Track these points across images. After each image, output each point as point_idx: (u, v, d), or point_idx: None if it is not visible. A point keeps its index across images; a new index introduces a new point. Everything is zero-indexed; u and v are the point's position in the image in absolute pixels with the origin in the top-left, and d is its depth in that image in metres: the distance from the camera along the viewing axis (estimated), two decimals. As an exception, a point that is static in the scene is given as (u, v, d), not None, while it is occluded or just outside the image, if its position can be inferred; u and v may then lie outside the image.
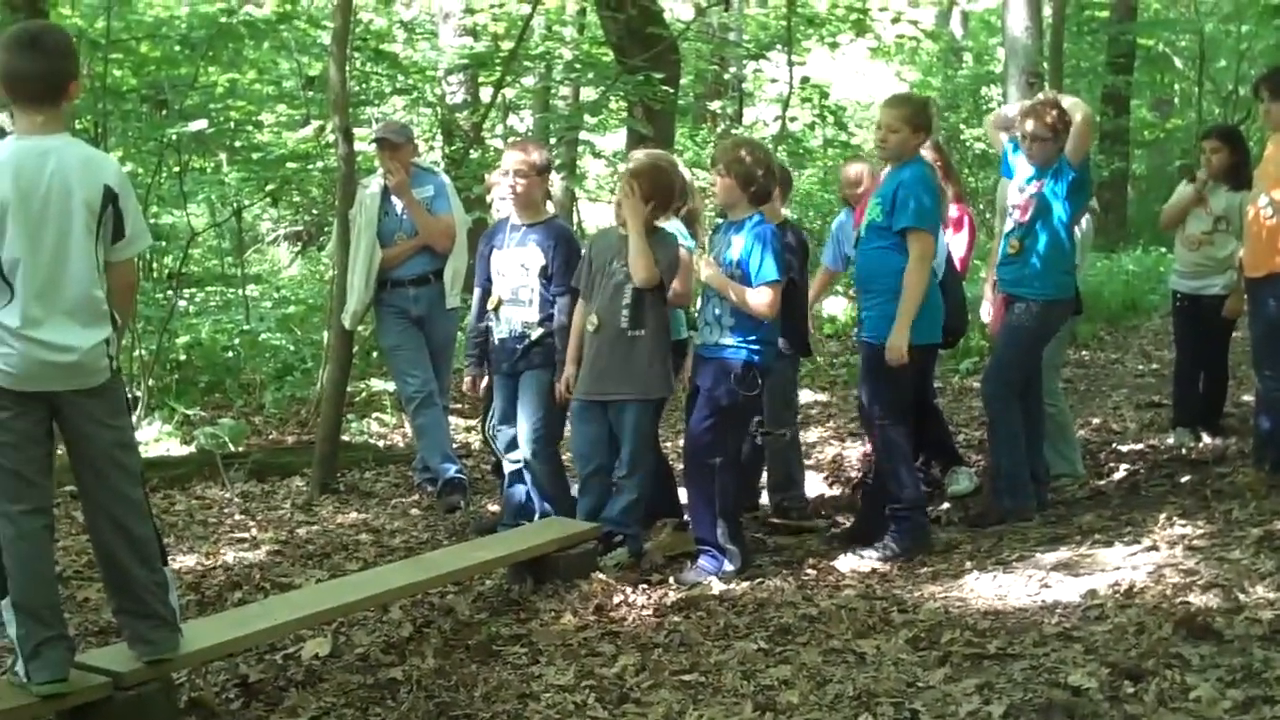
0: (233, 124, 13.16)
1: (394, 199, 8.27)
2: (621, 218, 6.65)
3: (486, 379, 7.46)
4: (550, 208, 7.73)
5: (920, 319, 6.63)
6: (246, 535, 7.60)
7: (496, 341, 7.16)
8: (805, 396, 10.98)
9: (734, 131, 20.84)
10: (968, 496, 7.82)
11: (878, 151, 7.13)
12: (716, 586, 6.25)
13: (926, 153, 7.17)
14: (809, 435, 9.97)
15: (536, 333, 7.01)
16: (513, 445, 7.22)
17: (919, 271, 6.59)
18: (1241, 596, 5.37)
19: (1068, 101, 7.24)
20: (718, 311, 6.53)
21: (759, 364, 6.49)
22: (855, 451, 9.43)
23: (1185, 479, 7.85)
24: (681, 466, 7.04)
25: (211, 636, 5.12)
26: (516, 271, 7.08)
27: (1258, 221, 7.47)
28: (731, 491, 6.58)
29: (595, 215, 19.22)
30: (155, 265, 13.25)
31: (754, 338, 6.46)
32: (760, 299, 6.37)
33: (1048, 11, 17.03)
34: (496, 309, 7.14)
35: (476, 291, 7.39)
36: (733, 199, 6.54)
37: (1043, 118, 7.27)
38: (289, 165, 12.63)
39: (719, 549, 6.51)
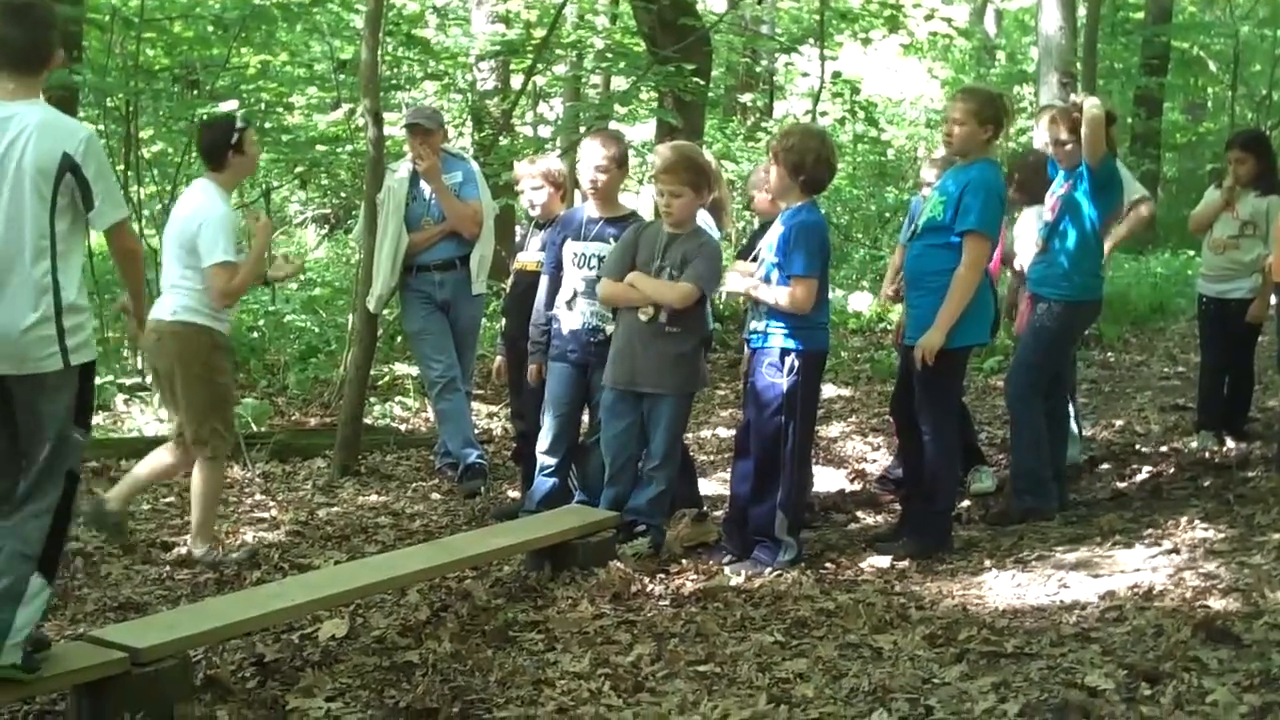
0: (263, 105, 13.15)
1: (422, 184, 8.28)
2: (671, 218, 6.61)
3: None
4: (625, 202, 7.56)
5: (971, 318, 6.59)
6: (266, 515, 7.62)
7: (566, 332, 7.07)
8: (828, 391, 10.97)
9: (764, 125, 20.85)
10: (989, 495, 7.80)
11: (944, 145, 7.09)
12: (734, 578, 6.24)
13: None
14: (830, 430, 9.97)
15: (610, 327, 6.90)
16: (556, 434, 7.12)
17: (970, 278, 6.50)
18: (1261, 601, 5.36)
19: (1086, 103, 7.21)
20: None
21: (803, 350, 6.41)
22: (875, 448, 9.43)
23: (1208, 482, 7.82)
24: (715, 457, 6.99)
25: (229, 615, 5.15)
26: (594, 265, 6.98)
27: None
28: (792, 484, 6.52)
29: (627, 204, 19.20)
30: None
31: (796, 324, 6.39)
32: (785, 295, 6.35)
33: (1082, 11, 17.00)
34: (571, 301, 7.05)
35: (544, 279, 7.25)
36: (784, 187, 6.47)
37: (1062, 123, 7.32)
38: (318, 148, 12.61)
39: (775, 540, 6.50)
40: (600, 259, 6.92)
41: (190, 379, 6.58)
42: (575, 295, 7.02)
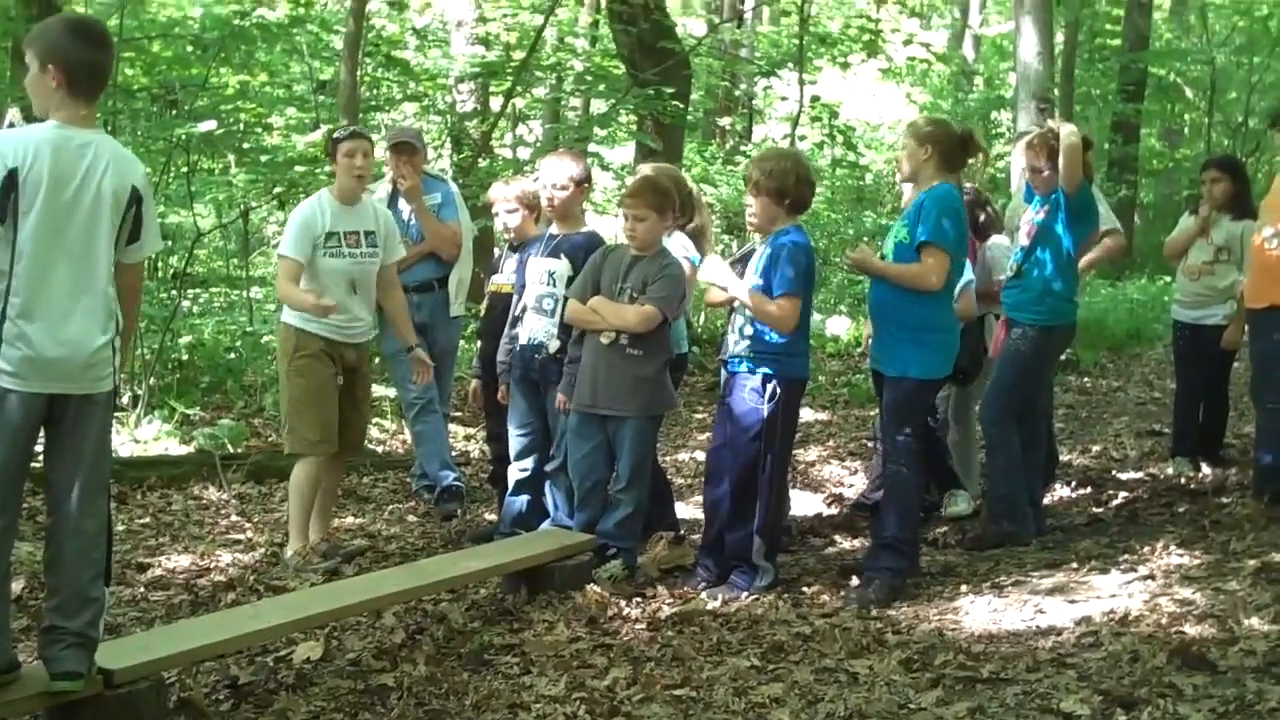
0: (242, 126, 13.17)
1: (400, 204, 8.27)
2: (635, 241, 6.63)
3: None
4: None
5: (935, 351, 6.55)
6: (242, 537, 7.59)
7: (517, 348, 7.13)
8: (806, 415, 10.98)
9: (743, 149, 20.90)
10: (965, 519, 7.80)
11: (897, 170, 7.12)
12: (711, 603, 6.24)
13: None
14: (808, 454, 9.98)
15: (554, 345, 6.93)
16: (522, 454, 7.19)
17: (922, 275, 6.41)
18: (1236, 627, 5.37)
19: (1063, 130, 7.23)
20: (739, 324, 6.50)
21: (784, 377, 6.41)
22: (852, 472, 9.45)
23: (1184, 508, 7.85)
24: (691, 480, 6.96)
25: (203, 637, 5.13)
26: (542, 280, 7.03)
27: (1261, 253, 7.47)
28: (769, 509, 6.50)
29: (602, 228, 19.23)
30: (160, 265, 13.24)
31: (775, 350, 6.38)
32: (770, 304, 6.34)
33: (1060, 38, 17.08)
34: (522, 316, 7.10)
35: (515, 297, 7.32)
36: (771, 215, 6.44)
37: (1038, 150, 7.35)
38: (297, 168, 12.61)
39: (752, 565, 6.49)
40: (550, 274, 6.98)
41: (281, 376, 7.13)
42: (525, 310, 7.07)
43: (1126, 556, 6.78)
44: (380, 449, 9.90)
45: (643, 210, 6.57)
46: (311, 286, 6.90)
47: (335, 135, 7.33)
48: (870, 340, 7.09)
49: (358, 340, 7.17)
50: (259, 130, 13.88)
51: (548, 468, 7.09)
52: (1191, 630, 5.40)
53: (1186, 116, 30.46)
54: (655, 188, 6.72)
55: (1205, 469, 8.67)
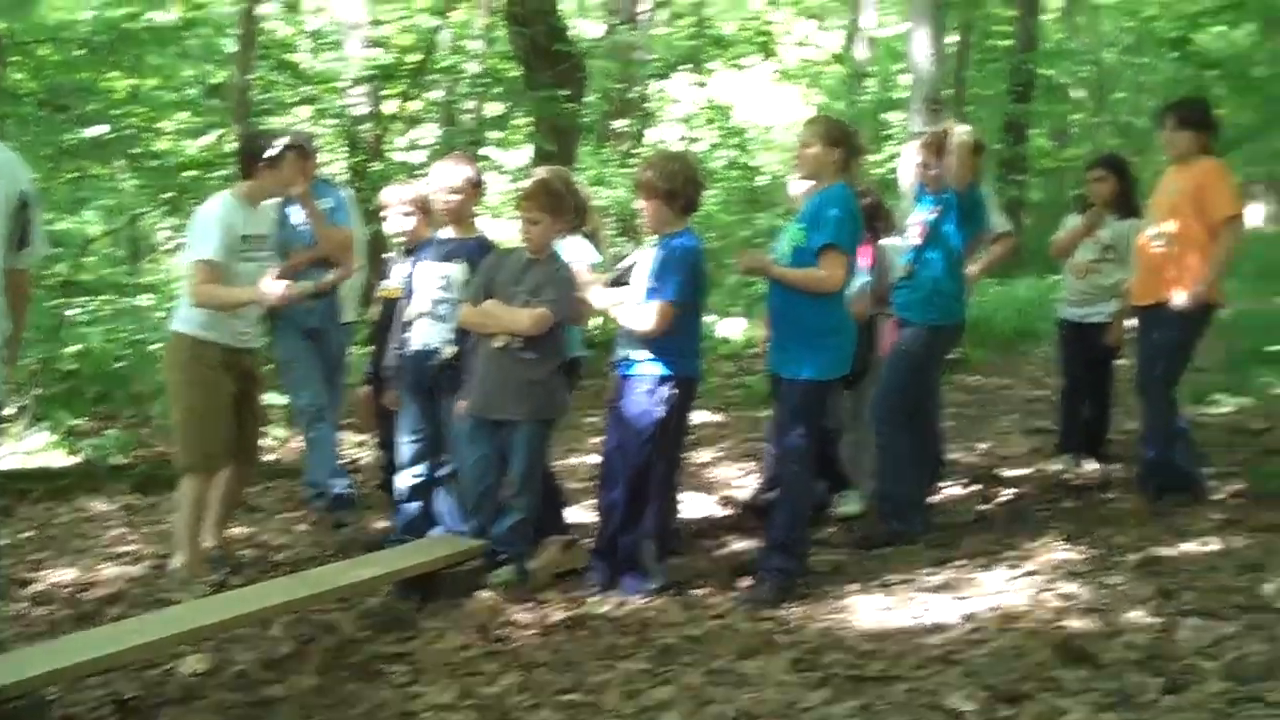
0: (132, 130, 12.99)
1: (290, 209, 8.19)
2: (530, 245, 6.63)
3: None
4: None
5: (829, 353, 6.58)
6: (128, 549, 7.50)
7: (409, 354, 7.05)
8: (698, 416, 11.00)
9: (638, 151, 20.89)
10: (855, 519, 7.86)
11: (795, 169, 7.15)
12: (602, 607, 6.24)
13: None
14: (701, 456, 10.00)
15: (449, 351, 6.89)
16: (413, 460, 7.15)
17: (821, 280, 6.44)
18: (1118, 621, 5.46)
19: (956, 130, 7.32)
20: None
21: (676, 378, 6.44)
22: (744, 473, 9.49)
23: (1069, 504, 7.96)
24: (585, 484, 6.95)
25: (87, 652, 5.07)
26: (435, 286, 6.98)
27: (1147, 251, 7.59)
28: (660, 511, 6.54)
29: (496, 231, 19.17)
30: (47, 272, 13.04)
31: (668, 351, 6.41)
32: (638, 315, 6.37)
33: (952, 40, 17.24)
34: (414, 322, 7.02)
35: (403, 303, 7.22)
36: (662, 218, 6.47)
37: (930, 149, 7.44)
38: (188, 173, 12.47)
39: (643, 568, 6.51)
40: (445, 279, 6.93)
41: (173, 387, 6.98)
42: (418, 316, 7.01)
43: (1012, 553, 6.86)
44: (270, 457, 9.80)
45: (537, 213, 6.58)
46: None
47: (292, 143, 7.25)
48: (767, 343, 7.12)
49: (253, 346, 7.15)
50: (149, 135, 13.70)
51: (439, 474, 7.06)
52: (1075, 625, 5.48)
53: (1075, 116, 30.90)
54: (549, 190, 6.74)
55: (1090, 465, 8.78)
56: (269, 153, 7.00)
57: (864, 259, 7.67)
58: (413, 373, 7.03)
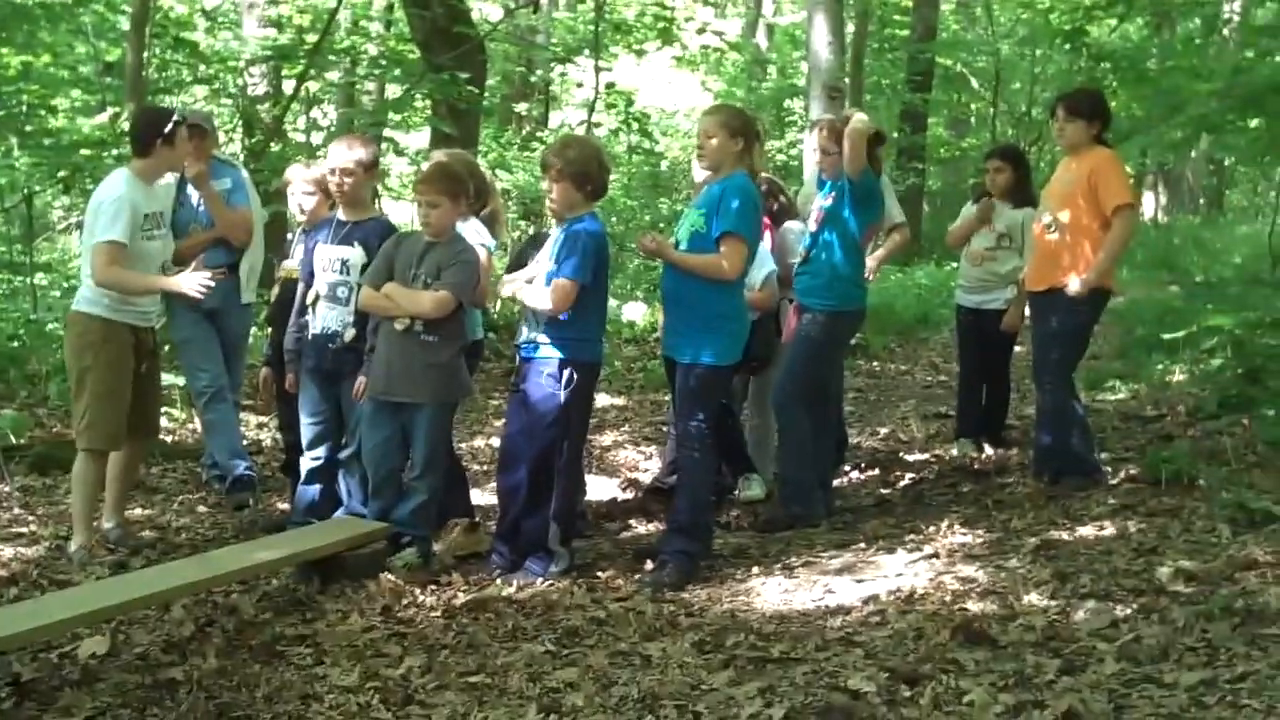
0: (25, 108, 12.78)
1: (189, 189, 8.11)
2: (430, 229, 6.60)
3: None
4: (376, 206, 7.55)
5: (727, 338, 6.61)
6: (25, 530, 7.39)
7: (309, 337, 7.00)
8: (601, 400, 11.03)
9: (539, 134, 20.88)
10: (759, 503, 7.91)
11: (697, 160, 7.17)
12: (506, 589, 6.24)
13: None
14: (603, 439, 10.03)
15: (350, 334, 6.85)
16: (314, 442, 7.10)
17: (722, 267, 6.46)
18: (1016, 604, 5.55)
19: (853, 117, 7.38)
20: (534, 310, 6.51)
21: (578, 362, 6.44)
22: (647, 456, 9.52)
23: (967, 489, 8.06)
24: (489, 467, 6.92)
25: (-18, 633, 4.99)
26: (335, 268, 6.93)
27: (1042, 239, 7.69)
28: (566, 494, 6.54)
29: (398, 214, 19.08)
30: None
31: (569, 335, 6.41)
32: (542, 295, 6.37)
33: (851, 28, 17.35)
34: (313, 305, 6.98)
35: (300, 286, 7.18)
36: (570, 201, 6.45)
37: (828, 134, 7.52)
38: (82, 152, 12.27)
39: (548, 551, 6.51)
40: (342, 262, 6.89)
41: (77, 368, 6.90)
42: (318, 299, 6.96)
43: (912, 536, 6.95)
44: (170, 438, 9.68)
45: (436, 196, 6.55)
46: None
47: (182, 120, 7.16)
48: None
49: (155, 324, 7.10)
50: (43, 113, 13.48)
51: (341, 455, 7.02)
52: (974, 607, 5.56)
53: (973, 106, 31.18)
54: (448, 174, 6.72)
55: (988, 450, 8.90)
56: (166, 129, 6.92)
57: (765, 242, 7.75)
58: (313, 355, 6.98)
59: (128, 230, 6.71)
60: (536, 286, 6.43)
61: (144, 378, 7.02)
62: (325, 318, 6.93)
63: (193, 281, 6.64)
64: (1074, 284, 7.44)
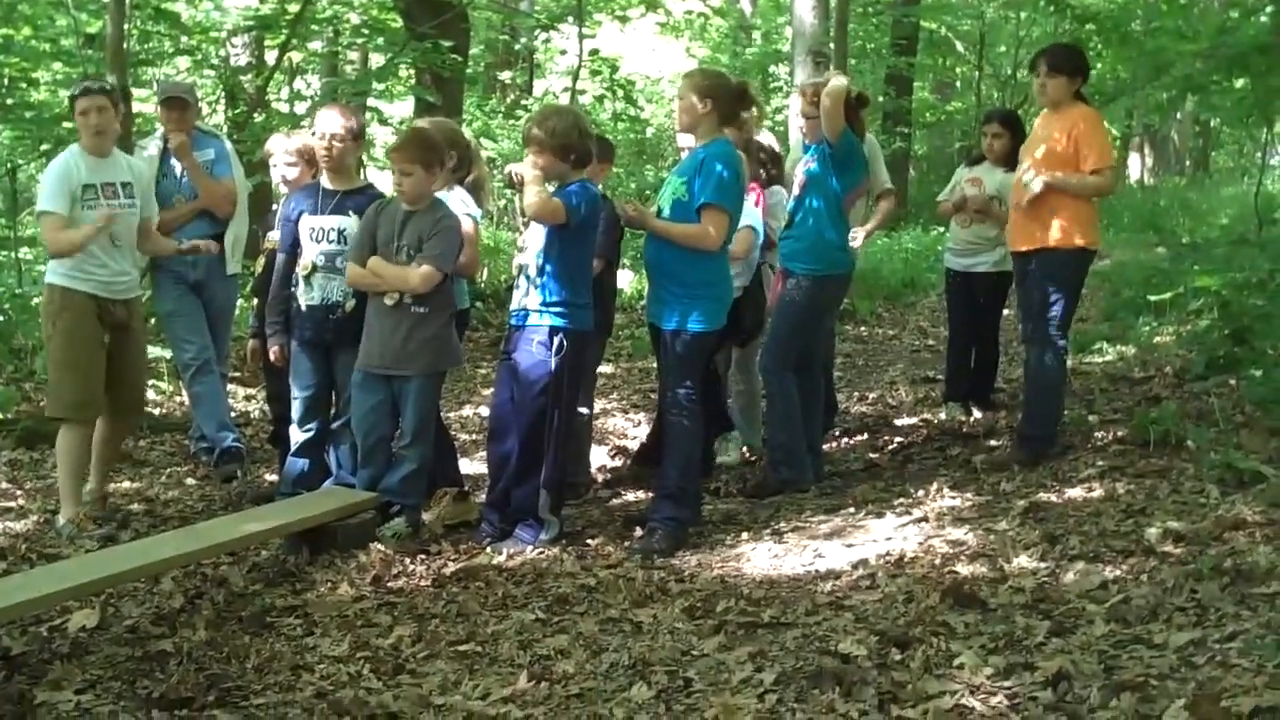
0: (6, 81, 12.73)
1: (173, 161, 8.09)
2: (404, 196, 6.57)
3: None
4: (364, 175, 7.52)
5: (711, 303, 6.60)
6: (13, 504, 7.38)
7: (304, 308, 6.94)
8: (590, 368, 11.02)
9: (524, 103, 20.82)
10: (733, 466, 7.97)
11: (675, 123, 7.15)
12: (496, 557, 6.24)
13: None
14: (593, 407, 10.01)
15: (351, 304, 6.81)
16: (305, 416, 7.05)
17: (705, 237, 6.46)
18: (1006, 566, 5.56)
19: (831, 80, 7.35)
20: (529, 274, 6.47)
21: (570, 329, 6.41)
22: (636, 424, 9.52)
23: (956, 452, 8.06)
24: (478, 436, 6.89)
25: (-29, 608, 4.98)
26: (333, 239, 6.87)
27: (1019, 196, 7.61)
28: (556, 462, 6.52)
29: (383, 182, 19.05)
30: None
31: (563, 303, 6.39)
32: (533, 195, 6.30)
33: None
34: (309, 275, 6.92)
35: (280, 257, 7.12)
36: (557, 171, 6.42)
37: (808, 97, 7.49)
38: (65, 125, 12.22)
39: (538, 519, 6.50)
40: (339, 232, 6.86)
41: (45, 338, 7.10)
42: (313, 270, 6.91)
43: (901, 500, 6.97)
44: (157, 411, 9.67)
45: (409, 164, 6.51)
46: None
47: (72, 92, 7.20)
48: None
49: (125, 296, 7.05)
50: (24, 86, 13.43)
51: (333, 425, 7.01)
52: (963, 570, 5.57)
53: (958, 70, 31.16)
54: (421, 141, 6.69)
55: (976, 413, 8.91)
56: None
57: (753, 202, 7.76)
58: (310, 327, 6.93)
59: (64, 202, 6.81)
60: (530, 190, 6.35)
61: (120, 352, 7.03)
62: (325, 289, 6.88)
63: (91, 228, 6.76)
64: (1036, 184, 7.35)
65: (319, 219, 6.91)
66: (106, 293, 6.92)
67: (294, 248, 7.01)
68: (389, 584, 5.91)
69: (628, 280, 14.93)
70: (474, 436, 9.10)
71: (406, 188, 6.53)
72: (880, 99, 22.96)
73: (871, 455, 8.27)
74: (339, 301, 6.85)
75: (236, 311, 9.17)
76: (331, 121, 6.94)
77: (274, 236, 7.54)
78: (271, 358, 7.23)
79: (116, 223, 6.89)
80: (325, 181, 7.03)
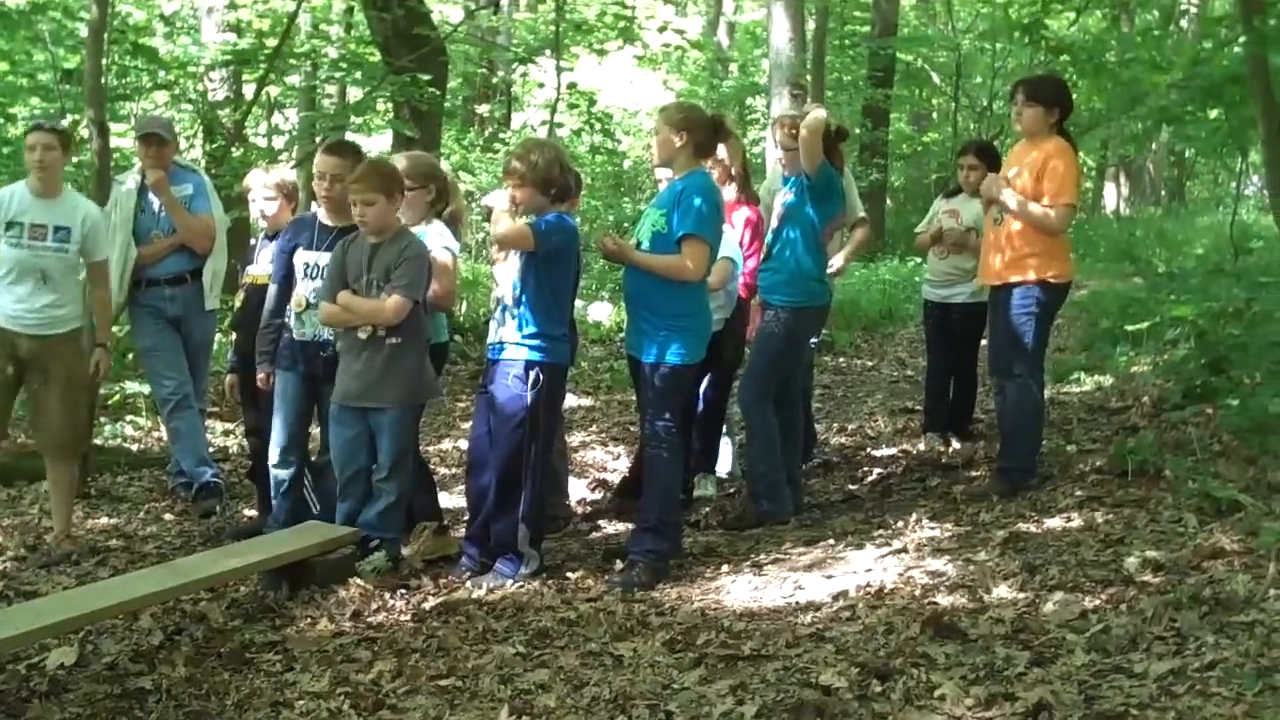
0: (-17, 116, 12.73)
1: (151, 196, 8.09)
2: (367, 227, 6.56)
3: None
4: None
5: (691, 336, 6.60)
6: (-13, 542, 7.36)
7: (296, 341, 6.90)
8: (569, 401, 11.01)
9: (502, 136, 20.86)
10: (712, 501, 7.96)
11: (649, 157, 7.17)
12: (476, 591, 6.23)
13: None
14: (571, 440, 10.00)
15: (341, 342, 6.75)
16: (285, 449, 6.96)
17: (685, 269, 6.47)
18: (986, 596, 5.55)
19: (810, 113, 7.38)
20: (507, 305, 6.48)
21: (546, 364, 6.42)
22: (615, 457, 9.51)
23: (935, 482, 8.07)
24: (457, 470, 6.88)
25: (-51, 646, 4.95)
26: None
27: (991, 229, 7.61)
28: (534, 495, 6.51)
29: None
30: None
31: (540, 337, 6.40)
32: (503, 223, 6.36)
33: (812, 25, 17.38)
34: (301, 313, 6.87)
35: (272, 288, 7.05)
36: (536, 205, 6.43)
37: (786, 129, 7.53)
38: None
39: (517, 553, 6.49)
40: None
41: None
42: (306, 307, 6.87)
43: (881, 531, 6.97)
44: (135, 447, 9.65)
45: (371, 194, 6.47)
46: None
47: (26, 128, 7.25)
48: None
49: (36, 332, 7.08)
50: (1, 121, 13.41)
51: (314, 460, 6.99)
52: (943, 600, 5.57)
53: (934, 101, 31.29)
54: (379, 170, 6.67)
55: (955, 444, 8.93)
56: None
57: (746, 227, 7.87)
58: (301, 361, 6.89)
59: None
60: (502, 219, 6.40)
61: (36, 391, 7.18)
62: (316, 326, 6.83)
63: None
64: (1010, 200, 7.34)
65: (314, 254, 6.87)
66: (11, 325, 7.03)
67: (287, 279, 6.97)
68: (369, 619, 5.89)
69: (606, 313, 14.97)
70: (454, 470, 9.08)
71: (370, 219, 6.49)
72: (857, 130, 23.05)
73: (851, 487, 8.29)
74: (329, 340, 6.82)
75: (215, 346, 9.15)
76: (330, 161, 6.94)
77: (252, 271, 7.54)
78: (259, 384, 7.18)
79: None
80: (322, 217, 7.00)
